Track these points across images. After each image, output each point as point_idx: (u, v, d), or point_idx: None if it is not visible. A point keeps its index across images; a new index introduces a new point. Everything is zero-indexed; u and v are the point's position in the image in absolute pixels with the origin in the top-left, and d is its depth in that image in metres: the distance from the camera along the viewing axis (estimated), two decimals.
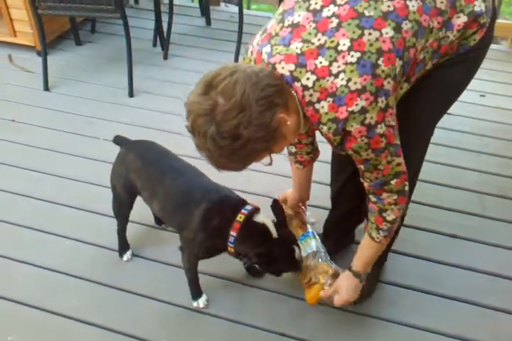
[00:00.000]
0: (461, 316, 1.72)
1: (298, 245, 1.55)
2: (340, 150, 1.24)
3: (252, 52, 1.25)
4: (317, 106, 1.16)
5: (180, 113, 2.73)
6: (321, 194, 1.93)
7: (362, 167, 1.27)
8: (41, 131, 2.58)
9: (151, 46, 3.34)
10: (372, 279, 1.79)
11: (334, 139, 1.20)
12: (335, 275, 1.55)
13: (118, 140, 1.79)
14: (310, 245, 1.65)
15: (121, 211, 1.82)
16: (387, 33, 1.13)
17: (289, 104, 1.15)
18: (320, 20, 1.15)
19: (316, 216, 1.92)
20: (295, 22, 1.18)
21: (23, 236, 2.00)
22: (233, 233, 1.49)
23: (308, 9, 1.18)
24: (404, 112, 1.26)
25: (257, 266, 1.56)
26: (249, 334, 1.66)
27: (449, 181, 2.24)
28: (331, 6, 1.16)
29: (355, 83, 1.11)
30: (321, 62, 1.12)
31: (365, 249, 1.48)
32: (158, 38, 3.31)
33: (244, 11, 2.99)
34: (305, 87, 1.14)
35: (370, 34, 1.12)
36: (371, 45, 1.12)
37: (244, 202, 1.56)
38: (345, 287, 1.50)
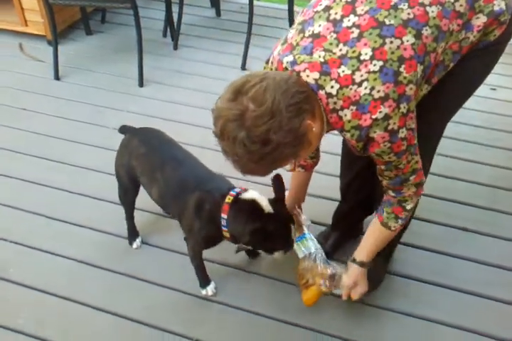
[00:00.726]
0: (470, 308, 1.72)
1: (294, 223, 1.53)
2: (363, 154, 1.26)
3: (272, 62, 1.26)
4: (340, 113, 1.17)
5: (189, 103, 2.77)
6: (330, 185, 1.93)
7: (383, 167, 1.29)
8: (52, 119, 2.59)
9: (161, 37, 3.33)
10: (380, 270, 1.80)
11: (357, 145, 1.22)
12: (332, 277, 1.56)
13: (123, 129, 1.80)
14: (307, 246, 1.65)
15: (126, 197, 1.84)
16: (408, 41, 1.14)
17: (315, 110, 1.16)
18: (340, 30, 1.16)
19: (325, 207, 1.93)
20: (315, 32, 1.18)
21: (37, 223, 2.02)
22: (224, 216, 1.49)
23: (328, 19, 1.18)
24: (423, 105, 1.27)
25: (250, 246, 1.54)
26: (259, 323, 1.67)
27: (461, 175, 2.23)
28: (351, 16, 1.16)
29: (379, 91, 1.13)
30: (343, 71, 1.14)
31: (373, 239, 1.49)
32: (168, 29, 3.30)
33: (255, 2, 2.97)
34: (329, 95, 1.15)
35: (391, 42, 1.13)
36: (392, 53, 1.13)
37: (233, 187, 1.55)
38: (357, 280, 1.53)
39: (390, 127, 1.16)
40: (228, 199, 1.49)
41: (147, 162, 1.67)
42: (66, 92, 2.79)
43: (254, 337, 1.64)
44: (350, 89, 1.14)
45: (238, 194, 1.51)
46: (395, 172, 1.29)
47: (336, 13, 1.18)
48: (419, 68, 1.16)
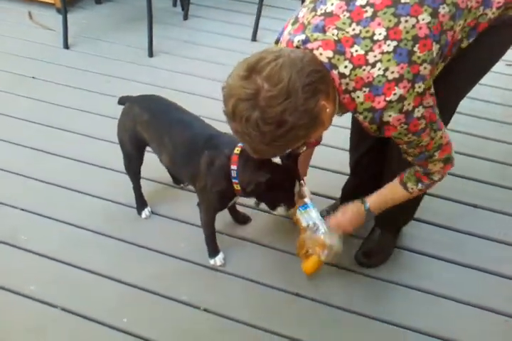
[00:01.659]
0: (477, 283, 1.72)
1: (299, 180, 1.55)
2: (378, 135, 1.23)
3: (281, 42, 1.22)
4: (353, 95, 1.14)
5: (198, 74, 2.74)
6: (340, 158, 1.92)
7: (405, 146, 1.26)
8: (61, 88, 2.57)
9: (171, 6, 3.28)
10: (389, 245, 1.80)
11: (371, 127, 1.19)
12: (331, 248, 1.55)
13: (122, 99, 1.79)
14: (311, 216, 1.63)
15: (132, 166, 1.84)
16: (423, 19, 1.10)
17: (330, 90, 1.13)
18: (354, 9, 1.12)
19: (334, 180, 1.92)
20: (328, 11, 1.14)
21: (47, 192, 2.03)
22: (234, 167, 1.49)
23: None
24: (437, 83, 1.22)
25: (254, 195, 1.54)
26: (265, 293, 1.69)
27: (472, 151, 2.21)
28: None
29: (393, 72, 1.09)
30: (356, 51, 1.10)
31: (388, 194, 1.45)
32: None
33: None
34: (342, 75, 1.12)
35: (406, 21, 1.09)
36: (407, 32, 1.09)
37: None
38: (349, 215, 1.49)
39: (404, 108, 1.13)
40: (237, 150, 1.51)
41: (152, 128, 1.67)
42: (75, 61, 2.76)
43: (261, 307, 1.66)
44: (364, 69, 1.10)
45: None
46: (418, 150, 1.25)
47: None
48: (435, 47, 1.12)
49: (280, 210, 1.58)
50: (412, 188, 1.37)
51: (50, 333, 1.58)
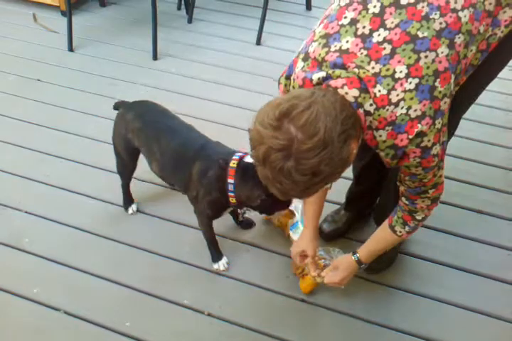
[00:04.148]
0: (481, 290, 1.72)
1: None
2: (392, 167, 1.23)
3: (294, 79, 1.17)
4: (375, 133, 1.13)
5: (202, 77, 2.74)
6: None
7: (406, 177, 1.25)
8: (66, 91, 2.57)
9: (176, 9, 3.29)
10: (393, 250, 1.79)
11: (392, 163, 1.18)
12: (325, 268, 1.58)
13: (117, 104, 1.79)
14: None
15: (125, 170, 1.85)
16: (442, 52, 1.08)
17: (359, 132, 1.10)
18: (371, 46, 1.08)
19: (338, 185, 1.91)
20: (343, 48, 1.09)
21: (51, 195, 2.03)
22: (231, 180, 1.49)
23: (356, 34, 1.09)
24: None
25: (254, 209, 1.56)
26: (270, 298, 1.68)
27: (476, 156, 2.21)
28: (381, 30, 1.08)
29: (415, 110, 1.07)
30: (379, 91, 1.07)
31: (378, 241, 1.48)
32: (182, 1, 3.25)
33: None
34: (367, 113, 1.09)
35: (426, 57, 1.07)
36: (428, 67, 1.07)
37: (234, 152, 1.55)
38: (342, 269, 1.52)
39: (423, 144, 1.11)
40: (233, 163, 1.49)
41: (143, 136, 1.67)
42: (80, 64, 2.77)
43: (265, 312, 1.66)
44: (387, 110, 1.08)
45: (241, 158, 1.51)
46: (416, 184, 1.25)
47: (363, 27, 1.09)
48: (452, 78, 1.11)
49: (275, 214, 1.68)
50: (400, 232, 1.39)
51: (53, 336, 1.57)
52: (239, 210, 1.82)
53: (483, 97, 2.43)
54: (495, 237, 1.87)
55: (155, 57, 2.81)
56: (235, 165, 1.49)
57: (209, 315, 1.62)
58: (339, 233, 1.86)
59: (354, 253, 1.50)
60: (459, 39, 1.10)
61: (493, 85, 2.47)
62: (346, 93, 1.06)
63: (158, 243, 1.84)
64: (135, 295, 1.68)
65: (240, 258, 1.80)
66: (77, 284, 1.72)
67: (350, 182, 1.88)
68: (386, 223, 1.42)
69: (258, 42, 2.98)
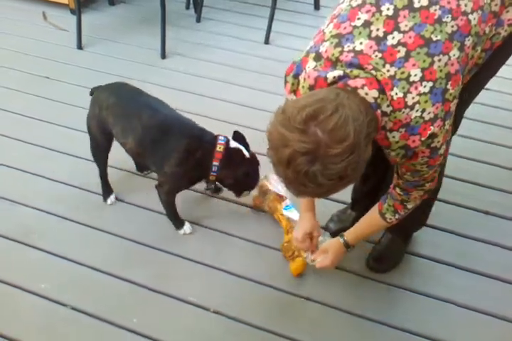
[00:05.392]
0: (487, 291, 1.71)
1: (259, 165, 1.76)
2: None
3: (305, 78, 1.15)
4: (388, 134, 1.13)
5: (211, 76, 2.75)
6: None
7: (408, 173, 1.25)
8: (74, 88, 2.59)
9: (184, 8, 3.30)
10: (399, 250, 1.80)
11: (399, 161, 1.20)
12: (314, 251, 1.61)
13: (93, 89, 1.84)
14: (294, 216, 1.74)
15: (99, 153, 1.89)
16: (454, 55, 1.09)
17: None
18: (385, 49, 1.08)
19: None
20: (357, 49, 1.10)
21: (59, 191, 2.04)
22: (216, 163, 1.67)
23: (370, 37, 1.09)
24: None
25: (227, 186, 1.79)
26: (276, 296, 1.69)
27: (482, 157, 2.20)
28: (395, 33, 1.08)
29: (429, 113, 1.09)
30: (396, 94, 1.07)
31: (367, 226, 1.50)
32: (191, 0, 3.26)
33: None
34: (384, 113, 1.10)
35: (439, 60, 1.08)
36: (441, 71, 1.08)
37: (217, 136, 1.72)
38: (331, 252, 1.52)
39: (433, 145, 1.13)
40: (219, 147, 1.67)
41: (120, 110, 1.73)
42: (88, 62, 2.78)
43: (272, 310, 1.66)
44: (403, 112, 1.09)
45: (227, 143, 1.69)
46: (416, 179, 1.26)
47: (377, 30, 1.09)
48: (461, 80, 1.13)
49: (245, 194, 1.81)
50: (390, 219, 1.41)
51: (59, 331, 1.58)
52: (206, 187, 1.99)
53: (491, 98, 2.47)
54: (501, 238, 1.86)
55: (163, 56, 2.82)
56: (221, 150, 1.67)
57: (215, 312, 1.63)
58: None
59: (341, 236, 1.52)
60: (469, 41, 1.11)
61: (500, 86, 2.52)
62: (366, 94, 1.06)
63: (164, 240, 1.85)
64: (142, 291, 1.69)
65: (247, 256, 1.81)
66: (85, 280, 1.73)
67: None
68: (376, 209, 1.43)
69: (266, 42, 2.99)
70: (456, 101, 1.13)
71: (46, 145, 2.24)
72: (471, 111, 1.44)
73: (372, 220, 1.46)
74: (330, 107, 0.97)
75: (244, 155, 1.72)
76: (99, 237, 1.86)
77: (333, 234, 1.84)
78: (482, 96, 1.44)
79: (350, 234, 1.51)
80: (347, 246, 1.51)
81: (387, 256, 1.78)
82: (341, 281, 1.73)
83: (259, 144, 1.77)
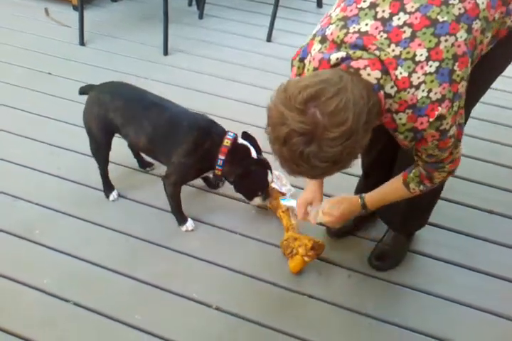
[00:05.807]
0: (490, 290, 1.71)
1: (271, 170, 1.76)
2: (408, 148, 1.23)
3: (310, 61, 1.16)
4: (395, 116, 1.13)
5: (213, 73, 2.74)
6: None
7: (424, 156, 1.25)
8: (77, 84, 2.52)
9: (187, 5, 3.29)
10: (402, 248, 1.79)
11: (410, 144, 1.19)
12: (313, 248, 1.65)
13: (83, 89, 1.86)
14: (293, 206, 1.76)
15: (100, 152, 1.89)
16: (461, 37, 1.10)
17: (379, 118, 1.11)
18: (391, 30, 1.09)
19: (346, 182, 1.92)
20: (362, 30, 1.10)
21: (62, 187, 2.04)
22: (222, 157, 1.68)
23: (375, 18, 1.10)
24: None
25: (234, 184, 1.77)
26: (278, 294, 1.68)
27: (487, 156, 2.20)
28: (401, 14, 1.09)
29: (436, 93, 1.09)
30: (401, 73, 1.08)
31: (388, 192, 1.45)
32: None
33: None
34: (387, 95, 1.09)
35: (446, 41, 1.08)
36: (448, 51, 1.08)
37: (226, 130, 1.73)
38: (345, 207, 1.47)
39: (442, 127, 1.13)
40: (226, 142, 1.68)
41: (129, 113, 1.74)
42: (91, 58, 2.78)
43: (274, 308, 1.66)
44: (408, 92, 1.08)
45: (235, 139, 1.70)
46: (434, 160, 1.26)
47: (383, 11, 1.10)
48: (469, 62, 1.13)
49: (257, 200, 1.79)
50: (413, 189, 1.37)
51: (62, 327, 1.58)
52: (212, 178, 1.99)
53: (497, 98, 2.46)
54: (505, 237, 1.86)
55: (166, 53, 2.82)
56: (228, 145, 1.68)
57: (217, 309, 1.63)
58: (347, 231, 1.85)
59: (362, 197, 1.47)
60: (476, 25, 1.12)
61: (505, 85, 2.50)
62: (369, 74, 1.06)
63: (167, 237, 1.85)
64: (145, 288, 1.68)
65: (251, 253, 1.80)
66: (87, 276, 1.72)
67: (355, 179, 1.88)
68: (400, 178, 1.39)
69: (269, 39, 2.98)
70: (464, 83, 1.12)
71: (49, 142, 2.24)
72: (477, 110, 1.44)
73: (395, 188, 1.41)
74: (332, 90, 0.97)
75: (250, 153, 1.72)
76: (102, 233, 1.86)
77: (335, 234, 1.84)
78: (488, 95, 1.44)
79: (369, 197, 1.47)
80: (364, 206, 1.47)
81: (390, 254, 1.77)
82: (343, 279, 1.72)
83: (260, 142, 1.78)
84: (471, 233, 1.88)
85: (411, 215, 1.69)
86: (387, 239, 1.78)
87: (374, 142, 1.64)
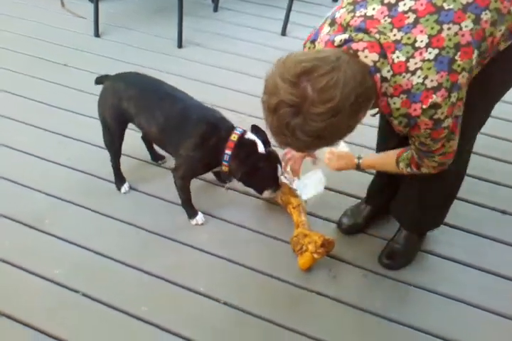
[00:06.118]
0: (502, 291, 1.69)
1: (281, 164, 1.74)
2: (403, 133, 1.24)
3: (319, 42, 1.20)
4: (390, 100, 1.14)
5: (227, 66, 2.73)
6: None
7: (416, 142, 1.26)
8: (91, 76, 2.53)
9: None
10: (414, 247, 1.78)
11: (404, 130, 1.20)
12: (323, 245, 1.65)
13: (99, 79, 1.86)
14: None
15: (114, 142, 1.89)
16: (466, 26, 1.09)
17: (372, 102, 1.12)
18: (396, 15, 1.11)
19: (359, 180, 1.90)
20: (368, 14, 1.13)
21: (73, 178, 2.05)
22: (228, 152, 1.67)
23: (382, 3, 1.13)
24: (476, 86, 1.20)
25: (242, 182, 1.76)
26: (286, 290, 1.68)
27: (502, 155, 2.17)
28: (407, 0, 1.11)
29: (432, 81, 1.09)
30: (398, 57, 1.09)
31: (382, 162, 1.51)
32: None
33: None
34: (384, 79, 1.11)
35: (449, 29, 1.08)
36: (450, 40, 1.08)
37: (235, 126, 1.73)
38: (343, 162, 1.57)
39: (436, 116, 1.13)
40: (233, 137, 1.67)
41: (143, 102, 1.74)
42: (106, 50, 2.79)
43: (282, 304, 1.65)
44: (403, 77, 1.09)
45: (242, 134, 1.69)
46: (425, 149, 1.26)
47: None
48: (475, 54, 1.11)
49: (267, 193, 1.77)
50: (402, 168, 1.41)
51: (70, 317, 1.59)
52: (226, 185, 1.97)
53: (510, 95, 2.41)
54: None
55: (180, 45, 2.81)
56: (235, 140, 1.67)
57: (225, 303, 1.63)
58: (358, 228, 1.84)
59: (359, 157, 1.55)
60: (486, 16, 1.10)
61: None
62: (366, 56, 1.09)
63: (176, 230, 1.85)
64: (153, 280, 1.69)
65: (260, 249, 1.80)
66: (96, 267, 1.73)
67: (371, 177, 1.86)
68: (396, 153, 1.42)
69: (283, 33, 2.96)
70: (466, 74, 1.11)
71: (61, 132, 2.26)
72: (496, 109, 1.41)
73: (389, 161, 1.45)
74: (326, 67, 1.00)
75: (257, 149, 1.69)
76: (112, 225, 1.87)
77: (346, 231, 1.83)
78: (506, 94, 1.41)
79: (366, 160, 1.54)
80: (358, 166, 1.55)
81: (401, 253, 1.75)
82: (352, 277, 1.71)
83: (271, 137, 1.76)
84: (482, 233, 1.86)
85: (423, 215, 1.68)
86: (398, 237, 1.77)
87: (389, 136, 1.64)
